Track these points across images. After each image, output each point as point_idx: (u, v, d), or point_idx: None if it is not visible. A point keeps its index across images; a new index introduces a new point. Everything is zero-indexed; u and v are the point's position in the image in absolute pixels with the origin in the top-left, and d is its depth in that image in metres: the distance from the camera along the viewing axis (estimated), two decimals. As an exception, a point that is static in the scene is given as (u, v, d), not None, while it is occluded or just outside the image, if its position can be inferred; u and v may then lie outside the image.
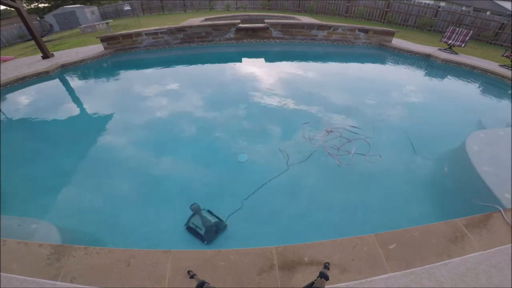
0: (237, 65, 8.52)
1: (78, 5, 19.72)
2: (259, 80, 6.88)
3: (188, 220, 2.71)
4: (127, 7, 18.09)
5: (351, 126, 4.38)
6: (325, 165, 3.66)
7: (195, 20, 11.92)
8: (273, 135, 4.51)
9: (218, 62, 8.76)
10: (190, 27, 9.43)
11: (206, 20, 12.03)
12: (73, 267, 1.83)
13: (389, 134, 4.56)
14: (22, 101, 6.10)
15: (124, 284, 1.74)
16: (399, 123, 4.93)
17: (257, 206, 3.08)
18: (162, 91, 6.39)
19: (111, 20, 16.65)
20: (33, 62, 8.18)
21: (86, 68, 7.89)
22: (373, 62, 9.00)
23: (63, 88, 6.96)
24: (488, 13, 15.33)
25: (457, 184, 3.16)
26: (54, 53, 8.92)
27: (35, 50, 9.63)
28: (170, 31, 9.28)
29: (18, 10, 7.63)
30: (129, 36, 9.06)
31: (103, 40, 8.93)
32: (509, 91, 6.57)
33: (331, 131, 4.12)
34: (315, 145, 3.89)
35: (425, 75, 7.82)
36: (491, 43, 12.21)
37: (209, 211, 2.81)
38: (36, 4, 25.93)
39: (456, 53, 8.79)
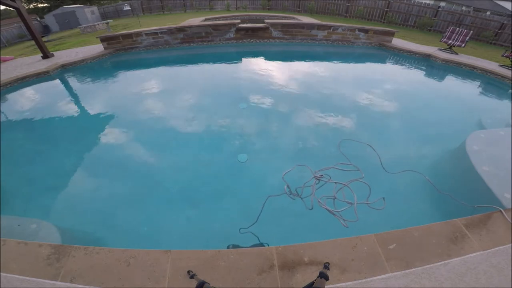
0: (237, 65, 8.52)
1: (78, 5, 19.74)
2: (259, 80, 6.87)
3: None
4: (127, 7, 18.09)
5: (341, 163, 3.43)
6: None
7: (195, 20, 11.92)
8: (273, 135, 4.52)
9: (218, 62, 8.75)
10: (190, 27, 9.43)
11: (206, 20, 12.03)
12: (73, 267, 1.83)
13: (387, 134, 4.56)
14: (22, 101, 6.10)
15: (124, 284, 1.74)
16: (398, 124, 4.94)
17: (257, 206, 3.08)
18: (162, 91, 6.38)
19: (111, 20, 16.65)
20: (33, 62, 8.18)
21: (86, 68, 7.89)
22: (373, 62, 9.01)
23: (63, 88, 6.96)
24: (488, 13, 15.34)
25: (457, 184, 3.16)
26: (54, 53, 8.92)
27: (35, 50, 9.63)
28: (170, 31, 9.28)
29: (18, 10, 7.63)
30: (129, 36, 9.06)
31: (103, 40, 8.93)
32: (509, 91, 6.57)
33: (321, 176, 3.11)
34: (311, 201, 2.85)
35: (425, 75, 7.81)
36: (491, 43, 12.21)
37: None
38: (36, 4, 25.93)
39: (456, 53, 8.79)
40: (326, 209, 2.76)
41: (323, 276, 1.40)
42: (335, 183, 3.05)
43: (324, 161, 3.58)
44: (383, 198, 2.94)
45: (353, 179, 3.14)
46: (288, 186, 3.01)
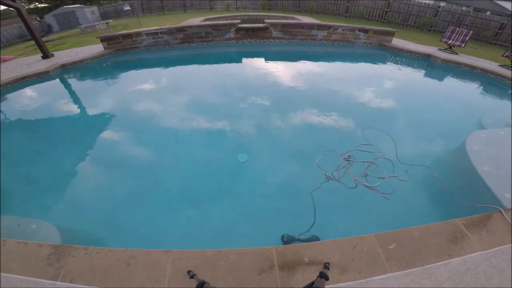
0: (237, 65, 8.52)
1: (78, 5, 19.73)
2: (259, 80, 6.87)
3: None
4: (127, 7, 18.09)
5: (362, 144, 3.81)
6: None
7: (195, 20, 11.92)
8: (273, 134, 4.51)
9: (218, 62, 8.75)
10: (190, 27, 9.43)
11: (206, 20, 12.03)
12: (73, 267, 1.83)
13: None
14: (22, 101, 6.10)
15: (124, 284, 1.74)
16: (397, 123, 4.94)
17: (258, 206, 3.09)
18: (161, 91, 6.39)
19: (111, 20, 16.65)
20: (33, 62, 8.18)
21: (86, 68, 7.89)
22: (373, 62, 9.00)
23: (63, 88, 6.96)
24: (488, 13, 15.33)
25: (457, 184, 3.15)
26: (54, 53, 8.92)
27: (35, 50, 9.62)
28: (170, 31, 9.28)
29: (18, 10, 7.63)
30: (129, 36, 9.06)
31: (103, 40, 8.93)
32: (509, 91, 6.56)
33: (348, 156, 3.46)
34: (353, 180, 3.18)
35: (425, 75, 7.81)
36: (491, 43, 12.20)
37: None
38: (36, 4, 25.92)
39: (456, 53, 8.79)
40: (365, 185, 3.07)
41: (323, 276, 1.40)
42: (363, 162, 3.41)
43: (323, 159, 3.60)
44: (406, 170, 3.18)
45: (376, 157, 3.47)
46: (327, 173, 3.24)
